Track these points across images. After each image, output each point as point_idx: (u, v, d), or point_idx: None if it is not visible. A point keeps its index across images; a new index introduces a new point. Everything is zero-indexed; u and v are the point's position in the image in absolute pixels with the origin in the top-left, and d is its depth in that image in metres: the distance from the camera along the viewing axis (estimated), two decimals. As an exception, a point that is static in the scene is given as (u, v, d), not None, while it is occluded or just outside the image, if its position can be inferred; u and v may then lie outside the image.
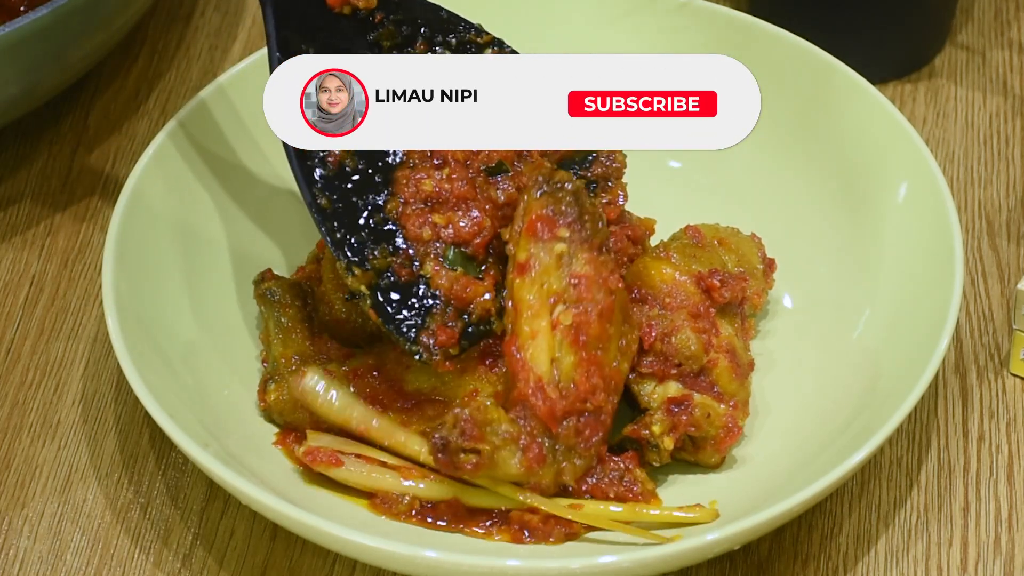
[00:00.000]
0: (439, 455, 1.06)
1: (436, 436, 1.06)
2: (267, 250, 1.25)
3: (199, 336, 1.18)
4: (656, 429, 1.10)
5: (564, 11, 1.32)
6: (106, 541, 1.13)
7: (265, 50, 1.27)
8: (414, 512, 1.09)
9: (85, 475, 1.17)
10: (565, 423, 1.07)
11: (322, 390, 1.11)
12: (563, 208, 1.09)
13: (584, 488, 1.09)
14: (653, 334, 1.11)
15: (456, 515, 1.09)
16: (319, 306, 1.17)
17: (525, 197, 1.09)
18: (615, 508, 1.08)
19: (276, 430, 1.15)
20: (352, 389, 1.11)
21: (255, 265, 1.23)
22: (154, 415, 1.07)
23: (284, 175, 1.28)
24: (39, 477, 1.17)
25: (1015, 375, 1.21)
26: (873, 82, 1.25)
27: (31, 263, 1.30)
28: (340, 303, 1.16)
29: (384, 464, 1.10)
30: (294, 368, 1.14)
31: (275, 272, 1.22)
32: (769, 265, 1.20)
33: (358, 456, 1.10)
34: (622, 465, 1.10)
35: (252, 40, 1.46)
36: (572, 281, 1.08)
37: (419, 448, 1.09)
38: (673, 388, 1.11)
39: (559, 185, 1.09)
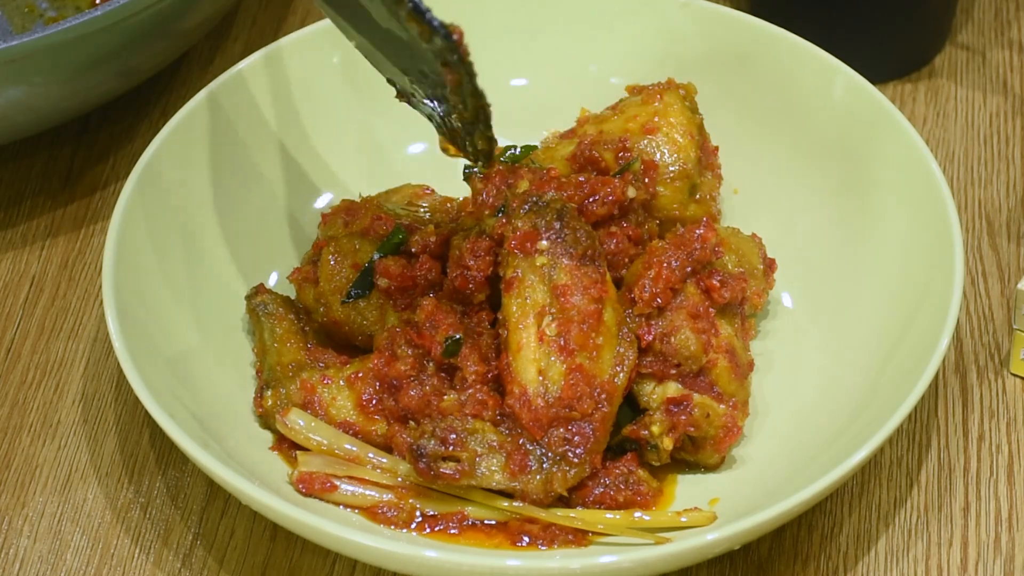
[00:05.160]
0: (418, 463, 1.06)
1: (414, 444, 1.06)
2: (265, 251, 1.25)
3: (199, 337, 1.18)
4: (655, 429, 1.10)
5: (564, 11, 1.32)
6: (106, 541, 1.13)
7: (264, 52, 1.28)
8: (413, 525, 1.09)
9: (85, 475, 1.17)
10: (551, 431, 1.07)
11: (304, 427, 1.11)
12: (544, 222, 1.10)
13: (591, 498, 1.09)
14: (652, 334, 1.11)
15: (457, 527, 1.09)
16: (316, 307, 1.17)
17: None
18: (610, 515, 1.09)
19: (272, 435, 1.15)
20: (350, 394, 1.12)
21: (254, 265, 1.23)
22: (154, 415, 1.07)
23: (283, 176, 1.28)
24: (39, 477, 1.17)
25: (1015, 375, 1.21)
26: (873, 82, 1.25)
27: (31, 263, 1.30)
28: (338, 304, 1.16)
29: (378, 484, 1.10)
30: (291, 374, 1.14)
31: (270, 278, 1.23)
32: (769, 265, 1.20)
33: (351, 478, 1.10)
34: (626, 469, 1.10)
35: (252, 40, 1.46)
36: (555, 292, 1.09)
37: (407, 468, 1.10)
38: (672, 388, 1.11)
39: (542, 202, 1.10)
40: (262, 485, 1.06)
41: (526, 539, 1.08)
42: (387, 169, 1.30)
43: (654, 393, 1.11)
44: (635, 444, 1.12)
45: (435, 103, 1.09)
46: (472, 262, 1.11)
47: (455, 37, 1.02)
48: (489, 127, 1.08)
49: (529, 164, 1.17)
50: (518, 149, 1.21)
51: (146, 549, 1.13)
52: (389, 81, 1.13)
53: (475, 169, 1.15)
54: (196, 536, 1.13)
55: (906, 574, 1.11)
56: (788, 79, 1.27)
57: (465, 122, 1.07)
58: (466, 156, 1.12)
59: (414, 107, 1.12)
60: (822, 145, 1.26)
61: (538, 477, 1.08)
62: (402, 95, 1.13)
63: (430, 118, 1.12)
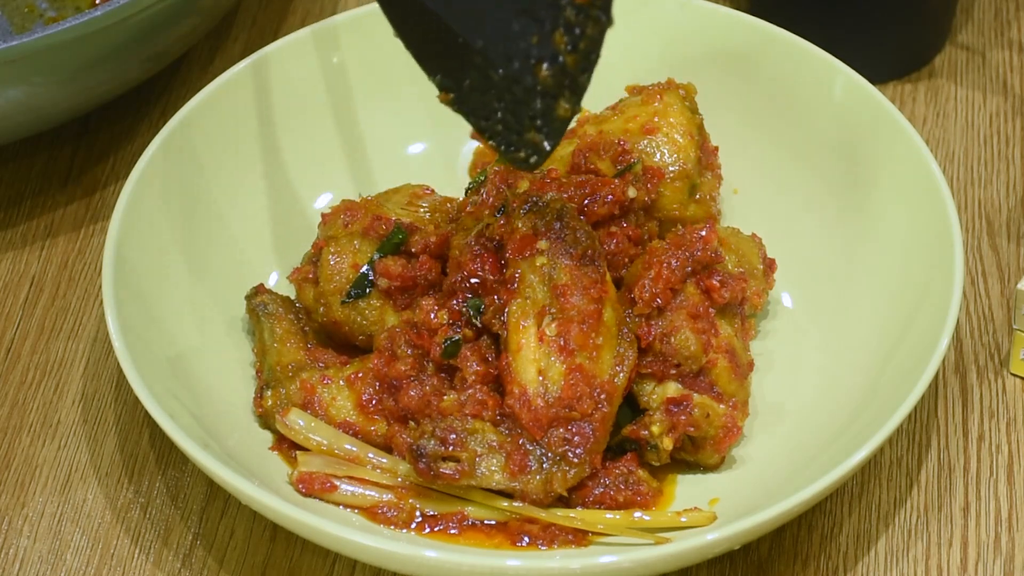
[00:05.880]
0: (418, 463, 1.06)
1: (414, 444, 1.06)
2: (265, 251, 1.25)
3: (199, 337, 1.18)
4: (655, 429, 1.10)
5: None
6: (106, 541, 1.13)
7: (263, 52, 1.28)
8: (413, 525, 1.09)
9: (85, 475, 1.17)
10: (551, 431, 1.07)
11: (304, 427, 1.11)
12: (544, 222, 1.10)
13: (591, 498, 1.09)
14: (652, 334, 1.11)
15: (457, 527, 1.09)
16: (316, 307, 1.17)
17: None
18: (610, 515, 1.09)
19: (272, 435, 1.15)
20: (350, 394, 1.13)
21: (253, 265, 1.23)
22: (154, 415, 1.07)
23: (283, 176, 1.28)
24: (39, 477, 1.17)
25: (1015, 375, 1.21)
26: (873, 82, 1.25)
27: (31, 263, 1.30)
28: (338, 304, 1.16)
29: (378, 484, 1.10)
30: (291, 375, 1.14)
31: (270, 278, 1.23)
32: (769, 265, 1.20)
33: (351, 478, 1.10)
34: (626, 469, 1.10)
35: (252, 40, 1.46)
36: (555, 292, 1.09)
37: (407, 468, 1.10)
38: (672, 388, 1.11)
39: (542, 202, 1.10)
40: (262, 485, 1.06)
41: (526, 539, 1.08)
42: (387, 169, 1.29)
43: (654, 393, 1.11)
44: (635, 444, 1.12)
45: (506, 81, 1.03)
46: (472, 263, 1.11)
47: None
48: (587, 81, 1.00)
49: None
50: None
51: (146, 549, 1.13)
52: (431, 77, 1.07)
53: (480, 181, 1.15)
54: (196, 536, 1.13)
55: (906, 574, 1.11)
56: (788, 79, 1.27)
57: (553, 80, 1.01)
58: (512, 158, 1.06)
59: (457, 105, 1.07)
60: (822, 145, 1.26)
61: (538, 477, 1.08)
62: (445, 94, 1.07)
63: (474, 117, 1.06)
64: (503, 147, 1.06)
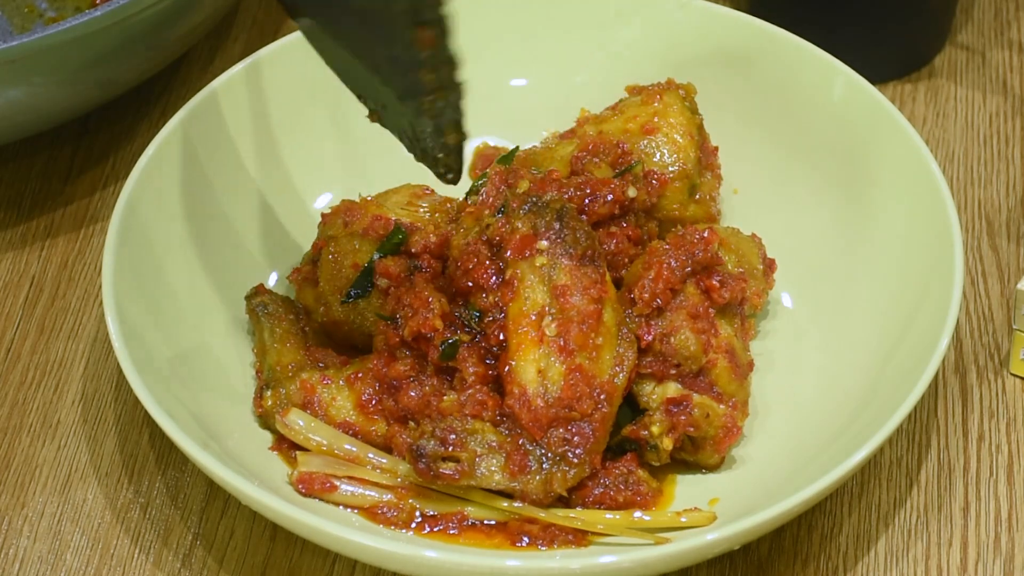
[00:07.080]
0: (418, 463, 1.06)
1: (414, 444, 1.07)
2: (265, 251, 1.25)
3: (199, 337, 1.18)
4: (655, 430, 1.10)
5: (564, 11, 1.32)
6: (106, 541, 1.13)
7: (263, 52, 1.28)
8: (413, 525, 1.09)
9: (85, 475, 1.17)
10: (551, 432, 1.07)
11: (304, 427, 1.11)
12: (543, 222, 1.10)
13: (591, 498, 1.09)
14: (651, 334, 1.11)
15: (457, 527, 1.09)
16: (316, 307, 1.17)
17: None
18: (610, 515, 1.09)
19: (272, 435, 1.15)
20: (349, 394, 1.13)
21: (253, 266, 1.23)
22: (154, 415, 1.07)
23: (283, 176, 1.28)
24: (39, 477, 1.17)
25: (1015, 375, 1.21)
26: (873, 82, 1.25)
27: (31, 263, 1.30)
28: (338, 304, 1.16)
29: (378, 484, 1.10)
30: (291, 375, 1.14)
31: (270, 278, 1.23)
32: (769, 265, 1.20)
33: (351, 478, 1.10)
34: (625, 469, 1.10)
35: (252, 40, 1.46)
36: (554, 292, 1.09)
37: (406, 468, 1.10)
38: (672, 388, 1.11)
39: (541, 202, 1.10)
40: (262, 485, 1.06)
41: (526, 539, 1.08)
42: (387, 169, 1.29)
43: (654, 393, 1.11)
44: (635, 444, 1.12)
45: (407, 107, 1.06)
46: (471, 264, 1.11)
47: None
48: (460, 112, 1.04)
49: (532, 171, 1.17)
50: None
51: (146, 549, 1.13)
52: (360, 98, 1.11)
53: (480, 183, 1.15)
54: (196, 536, 1.13)
55: (906, 574, 1.11)
56: (788, 79, 1.27)
57: (436, 109, 1.04)
58: (436, 173, 1.10)
59: (385, 125, 1.11)
60: (822, 145, 1.26)
61: (538, 477, 1.08)
62: (374, 113, 1.10)
63: (400, 136, 1.10)
64: (428, 164, 1.09)
